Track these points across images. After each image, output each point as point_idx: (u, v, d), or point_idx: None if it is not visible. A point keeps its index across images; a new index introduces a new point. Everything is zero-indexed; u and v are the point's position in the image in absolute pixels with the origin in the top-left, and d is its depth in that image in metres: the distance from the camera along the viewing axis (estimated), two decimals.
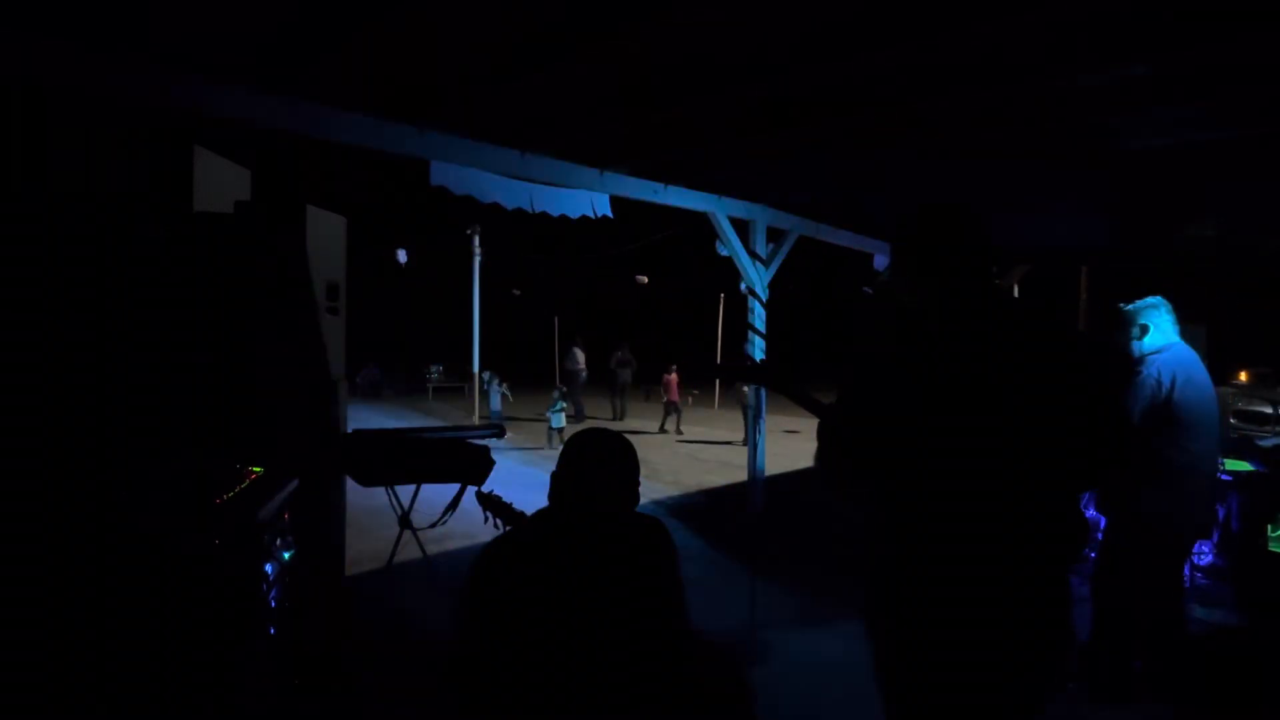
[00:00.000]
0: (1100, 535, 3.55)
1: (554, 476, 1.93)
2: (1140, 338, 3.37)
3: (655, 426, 14.08)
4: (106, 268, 2.70)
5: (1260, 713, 3.14)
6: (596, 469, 1.90)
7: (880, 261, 9.83)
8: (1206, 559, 4.94)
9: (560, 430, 11.93)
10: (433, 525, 4.39)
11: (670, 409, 14.20)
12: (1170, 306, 3.40)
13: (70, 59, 2.98)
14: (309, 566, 3.57)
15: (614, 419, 15.68)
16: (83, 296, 2.66)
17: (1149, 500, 3.24)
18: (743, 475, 8.95)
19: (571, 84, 3.69)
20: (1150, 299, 3.41)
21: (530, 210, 5.81)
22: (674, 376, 14.19)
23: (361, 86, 3.79)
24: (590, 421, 14.51)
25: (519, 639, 1.76)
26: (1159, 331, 3.35)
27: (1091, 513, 4.44)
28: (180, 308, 3.40)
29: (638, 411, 16.38)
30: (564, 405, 12.22)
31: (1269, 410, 11.11)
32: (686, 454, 11.30)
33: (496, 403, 13.15)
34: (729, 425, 14.91)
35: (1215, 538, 4.90)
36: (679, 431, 13.89)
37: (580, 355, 15.58)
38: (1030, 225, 7.34)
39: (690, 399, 17.61)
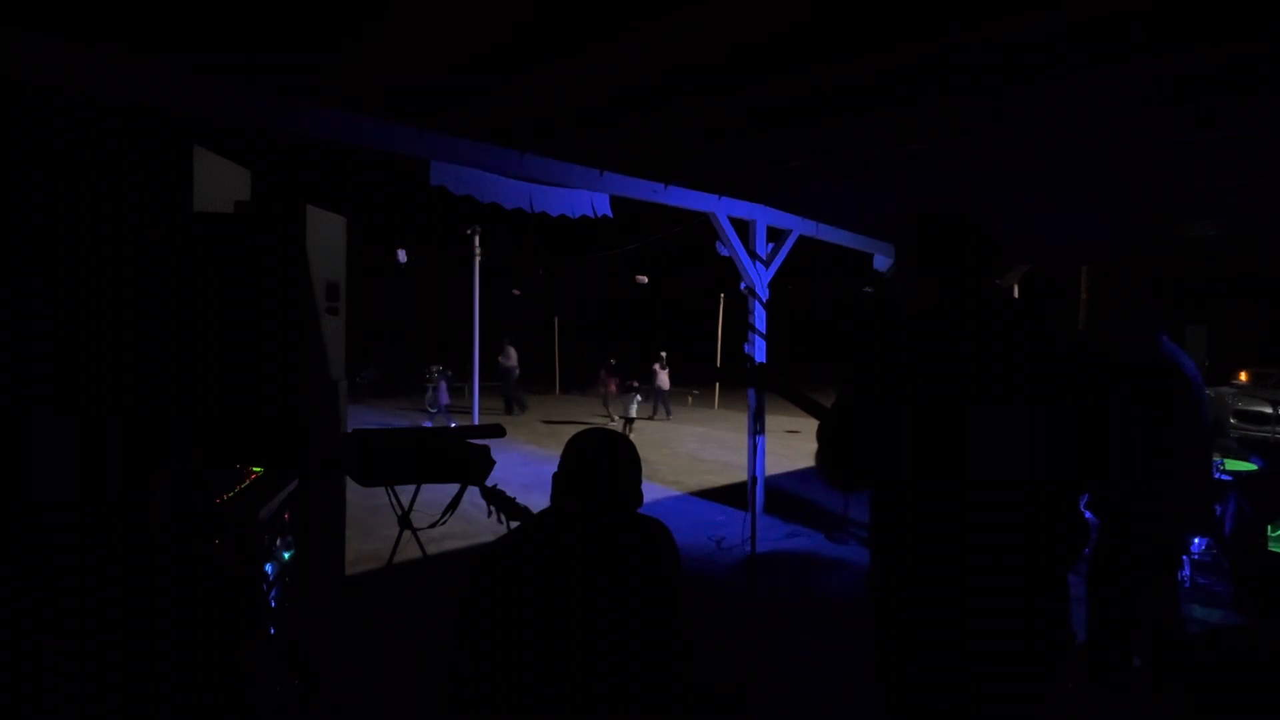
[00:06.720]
0: (1096, 535, 3.55)
1: (555, 476, 1.93)
2: (1153, 337, 3.36)
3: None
4: (100, 266, 2.70)
5: (1260, 713, 3.14)
6: (597, 468, 1.90)
7: (880, 261, 9.84)
8: (1206, 559, 4.93)
9: None
10: (433, 525, 4.39)
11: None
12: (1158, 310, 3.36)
13: (70, 58, 2.98)
14: (309, 566, 3.57)
15: (515, 412, 16.03)
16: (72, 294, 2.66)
17: (1140, 500, 3.24)
18: (742, 475, 8.97)
19: (572, 84, 3.69)
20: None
21: (530, 210, 5.81)
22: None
23: (362, 86, 3.78)
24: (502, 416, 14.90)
25: (519, 639, 1.76)
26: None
27: (1090, 513, 4.43)
28: (179, 307, 3.40)
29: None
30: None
31: (1269, 410, 11.10)
32: (687, 455, 11.30)
33: (633, 411, 12.38)
34: (727, 424, 15.04)
35: (1215, 536, 4.90)
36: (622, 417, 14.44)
37: (513, 352, 15.94)
38: (1030, 225, 7.33)
39: (690, 399, 17.71)
